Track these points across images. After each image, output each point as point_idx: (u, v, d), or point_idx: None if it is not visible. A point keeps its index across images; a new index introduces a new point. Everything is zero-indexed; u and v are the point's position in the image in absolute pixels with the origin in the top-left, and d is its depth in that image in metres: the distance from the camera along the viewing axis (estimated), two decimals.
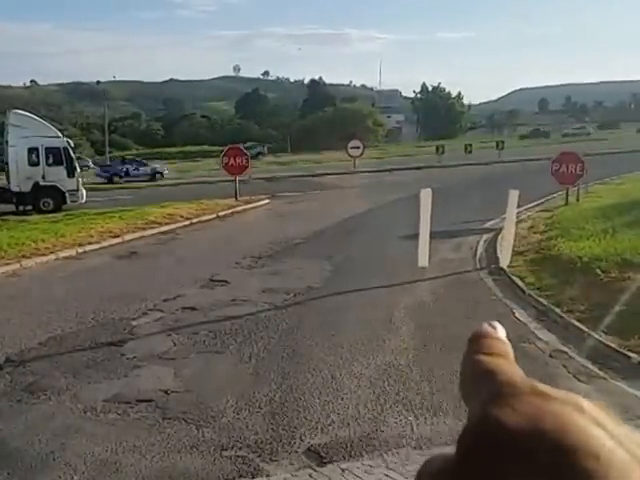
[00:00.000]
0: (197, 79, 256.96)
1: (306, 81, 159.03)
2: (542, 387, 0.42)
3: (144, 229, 20.19)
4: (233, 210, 25.00)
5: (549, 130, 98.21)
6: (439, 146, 52.04)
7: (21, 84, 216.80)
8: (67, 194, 27.64)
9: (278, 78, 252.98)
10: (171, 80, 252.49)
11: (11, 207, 26.83)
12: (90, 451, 6.35)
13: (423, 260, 10.38)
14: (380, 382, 7.73)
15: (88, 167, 55.86)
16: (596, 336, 8.80)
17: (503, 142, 52.99)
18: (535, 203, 22.27)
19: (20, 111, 28.98)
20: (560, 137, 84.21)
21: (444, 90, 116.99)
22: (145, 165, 50.59)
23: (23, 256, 16.07)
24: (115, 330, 10.27)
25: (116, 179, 47.23)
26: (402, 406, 7.03)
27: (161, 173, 48.46)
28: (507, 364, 0.46)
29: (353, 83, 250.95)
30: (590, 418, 0.39)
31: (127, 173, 48.43)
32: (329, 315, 10.72)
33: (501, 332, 0.51)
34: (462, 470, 0.40)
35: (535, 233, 16.72)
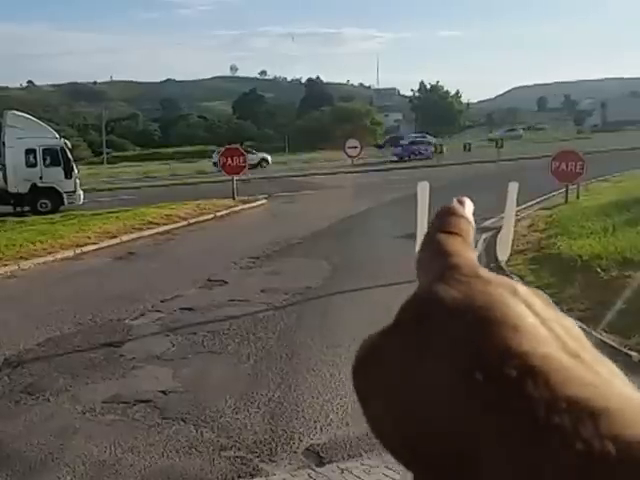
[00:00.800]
0: (194, 79, 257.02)
1: (303, 80, 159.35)
2: (484, 273, 0.45)
3: (142, 230, 20.17)
4: (231, 210, 24.96)
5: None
6: (437, 145, 52.25)
7: (18, 85, 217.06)
8: (65, 195, 27.62)
9: (275, 77, 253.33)
10: (168, 80, 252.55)
11: (9, 208, 26.80)
12: (89, 452, 6.34)
13: None
14: None
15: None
16: (596, 335, 8.78)
17: (502, 140, 53.00)
18: (535, 201, 22.28)
19: (17, 112, 28.94)
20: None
21: (442, 88, 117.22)
22: (429, 144, 57.60)
23: (21, 257, 16.06)
24: (113, 331, 10.26)
25: (406, 158, 54.75)
26: None
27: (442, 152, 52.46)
28: (463, 246, 0.49)
29: (351, 82, 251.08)
30: (521, 300, 0.42)
31: (419, 152, 55.84)
32: (328, 315, 10.71)
33: (468, 209, 0.54)
34: (391, 335, 0.45)
35: (535, 231, 16.70)
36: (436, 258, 0.48)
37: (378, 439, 0.44)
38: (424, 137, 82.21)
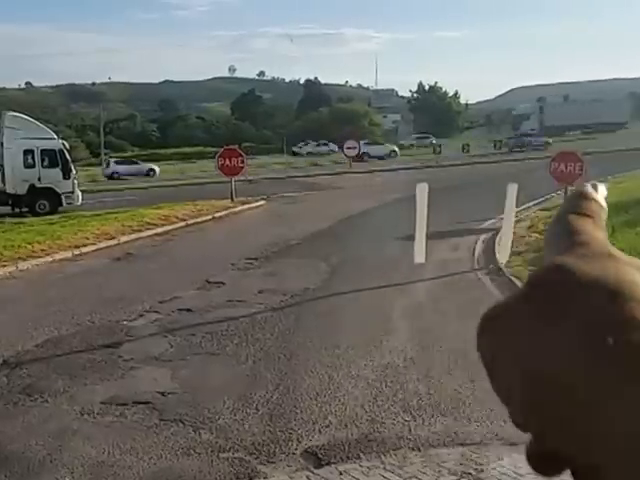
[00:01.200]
0: (192, 80, 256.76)
1: (302, 81, 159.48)
2: (615, 251, 0.48)
3: (140, 231, 20.14)
4: (229, 211, 24.95)
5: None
6: (435, 146, 52.50)
7: (16, 86, 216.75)
8: (63, 196, 27.62)
9: (274, 78, 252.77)
10: (166, 81, 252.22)
11: (7, 209, 26.77)
12: (87, 453, 6.33)
13: (420, 256, 10.26)
14: (377, 383, 7.72)
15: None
16: None
17: (501, 142, 53.23)
18: (534, 202, 22.31)
19: (15, 113, 28.93)
20: None
21: (441, 89, 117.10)
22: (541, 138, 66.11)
23: (19, 258, 16.03)
24: (111, 332, 10.25)
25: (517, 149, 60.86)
26: (399, 407, 7.02)
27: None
28: (593, 227, 0.51)
29: (349, 83, 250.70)
30: None
31: (531, 143, 63.33)
32: (326, 316, 10.71)
33: (601, 193, 0.55)
34: (522, 302, 0.46)
35: (534, 232, 16.71)
36: (565, 236, 0.50)
37: (503, 402, 0.46)
38: (533, 130, 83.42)
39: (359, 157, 58.71)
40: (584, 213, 0.52)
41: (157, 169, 55.15)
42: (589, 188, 0.55)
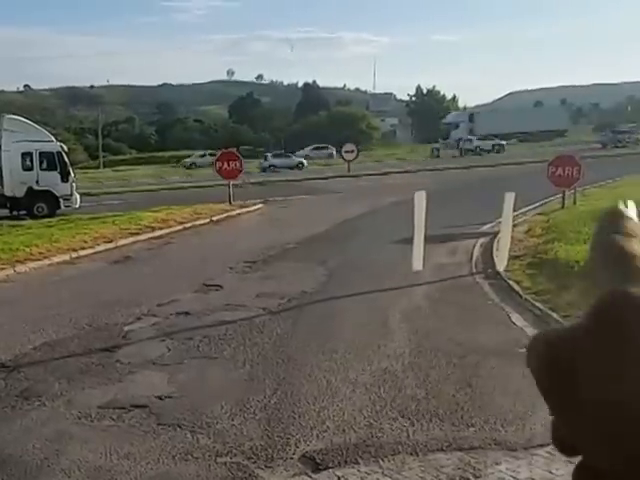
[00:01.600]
0: (191, 83, 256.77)
1: (300, 84, 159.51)
2: None
3: (138, 234, 20.15)
4: (227, 215, 24.95)
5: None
6: (434, 149, 52.92)
7: (15, 89, 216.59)
8: (61, 199, 27.61)
9: (272, 82, 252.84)
10: (165, 84, 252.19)
11: (5, 212, 26.78)
12: (84, 457, 6.31)
13: (418, 264, 10.25)
14: (375, 388, 7.70)
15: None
16: None
17: (502, 146, 53.55)
18: (532, 206, 22.32)
19: (14, 116, 28.96)
20: None
21: (439, 93, 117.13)
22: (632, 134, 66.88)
23: (17, 261, 16.02)
24: (109, 335, 10.23)
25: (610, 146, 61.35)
26: (397, 412, 7.00)
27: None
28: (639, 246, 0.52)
29: (347, 86, 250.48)
30: None
31: (624, 140, 63.41)
32: (324, 320, 10.69)
33: (632, 211, 0.57)
34: (589, 333, 0.46)
35: (532, 237, 16.69)
36: (619, 260, 0.51)
37: (556, 424, 0.47)
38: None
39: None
40: (627, 233, 0.52)
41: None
42: (622, 207, 0.56)
